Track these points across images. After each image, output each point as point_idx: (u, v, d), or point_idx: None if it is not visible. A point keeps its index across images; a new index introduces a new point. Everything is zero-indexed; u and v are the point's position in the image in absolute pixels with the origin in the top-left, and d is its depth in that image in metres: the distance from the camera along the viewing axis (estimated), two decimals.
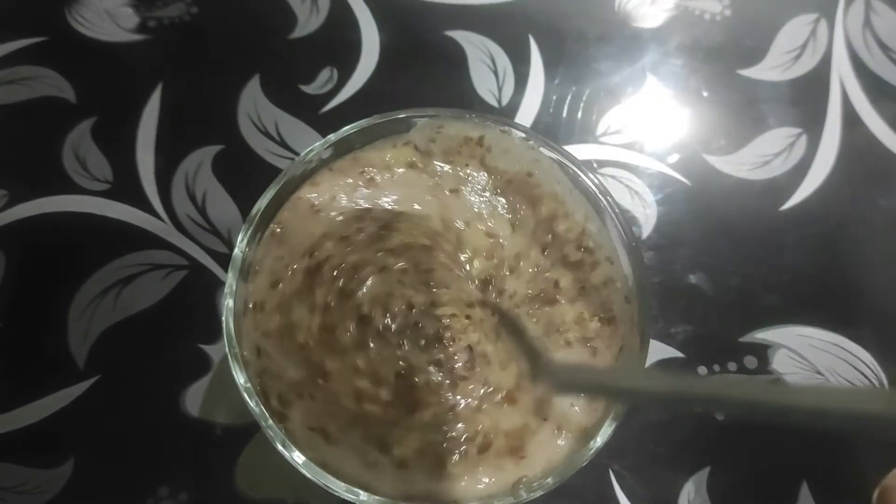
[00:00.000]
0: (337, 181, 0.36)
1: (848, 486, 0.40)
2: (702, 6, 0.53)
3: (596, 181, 0.35)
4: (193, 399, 0.40)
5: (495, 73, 0.49)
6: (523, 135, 0.36)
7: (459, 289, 0.34)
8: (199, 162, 0.45)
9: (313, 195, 0.35)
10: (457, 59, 0.49)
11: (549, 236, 0.36)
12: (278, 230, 0.34)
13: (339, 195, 0.35)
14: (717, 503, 0.39)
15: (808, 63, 0.51)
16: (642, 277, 0.34)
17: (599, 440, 0.32)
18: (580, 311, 0.35)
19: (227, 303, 0.31)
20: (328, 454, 0.31)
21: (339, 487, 0.29)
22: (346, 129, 0.35)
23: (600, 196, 0.35)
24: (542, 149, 0.36)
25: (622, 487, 0.40)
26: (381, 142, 0.36)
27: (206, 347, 0.41)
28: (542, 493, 0.30)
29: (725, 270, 0.45)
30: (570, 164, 0.36)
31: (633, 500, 0.39)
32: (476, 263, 0.35)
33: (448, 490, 0.31)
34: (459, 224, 0.36)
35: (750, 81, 0.50)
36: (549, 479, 0.31)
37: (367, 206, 0.35)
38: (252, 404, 0.30)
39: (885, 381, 0.43)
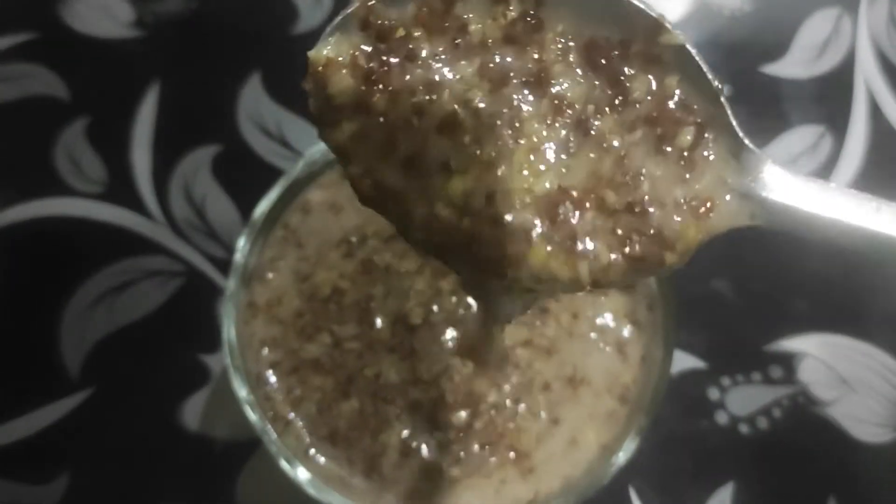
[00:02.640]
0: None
1: (875, 501, 0.40)
2: (720, 1, 0.51)
3: None
4: (192, 412, 0.39)
5: None
6: None
7: None
8: (198, 163, 0.44)
9: (328, 195, 0.35)
10: None
11: None
12: (292, 231, 0.34)
13: None
14: None
15: (831, 60, 0.49)
16: (665, 284, 0.34)
17: (622, 456, 0.31)
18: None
19: (228, 310, 0.30)
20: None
21: None
22: None
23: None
24: None
25: None
26: None
27: (205, 357, 0.40)
28: None
29: (749, 275, 0.44)
30: None
31: None
32: None
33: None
34: None
35: (772, 79, 0.49)
36: (569, 498, 0.30)
37: None
38: (254, 418, 0.30)
39: None
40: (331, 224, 0.34)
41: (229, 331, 0.30)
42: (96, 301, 0.41)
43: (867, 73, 0.49)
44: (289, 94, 0.46)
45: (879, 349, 0.42)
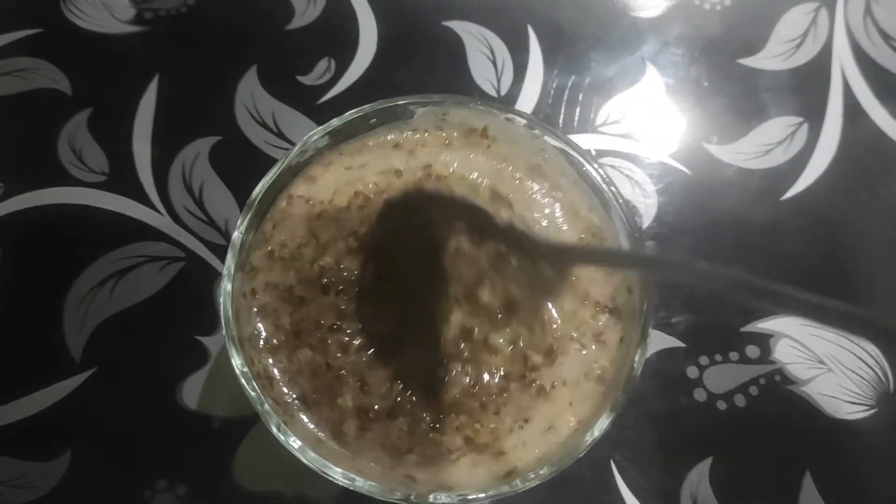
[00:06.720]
0: (346, 163, 0.36)
1: (850, 476, 0.40)
2: None
3: (601, 170, 0.35)
4: (191, 391, 0.40)
5: (494, 63, 0.49)
6: (527, 122, 0.35)
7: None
8: (196, 153, 0.45)
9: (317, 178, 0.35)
10: (455, 50, 0.49)
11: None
12: (286, 211, 0.35)
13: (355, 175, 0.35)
14: (719, 494, 0.39)
15: (808, 52, 0.51)
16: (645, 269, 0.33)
17: (597, 432, 0.31)
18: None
19: (226, 286, 0.31)
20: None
21: (335, 473, 0.29)
22: (350, 114, 0.34)
23: (605, 186, 0.34)
24: (546, 137, 0.35)
25: (624, 478, 0.39)
26: (385, 128, 0.36)
27: (203, 339, 0.41)
28: (538, 482, 0.30)
29: (726, 260, 0.45)
30: (575, 154, 0.35)
31: (635, 490, 0.39)
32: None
33: (440, 476, 0.31)
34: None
35: (750, 70, 0.50)
36: (545, 469, 0.30)
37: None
38: (248, 388, 0.30)
39: (888, 370, 0.42)
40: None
41: (227, 304, 0.30)
42: (98, 285, 0.41)
43: (843, 64, 0.50)
44: (283, 87, 0.47)
45: None
